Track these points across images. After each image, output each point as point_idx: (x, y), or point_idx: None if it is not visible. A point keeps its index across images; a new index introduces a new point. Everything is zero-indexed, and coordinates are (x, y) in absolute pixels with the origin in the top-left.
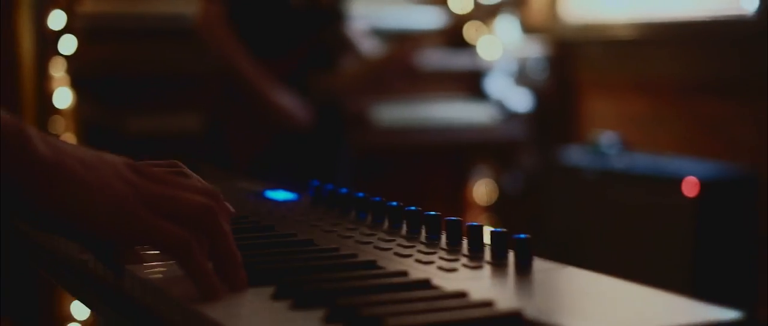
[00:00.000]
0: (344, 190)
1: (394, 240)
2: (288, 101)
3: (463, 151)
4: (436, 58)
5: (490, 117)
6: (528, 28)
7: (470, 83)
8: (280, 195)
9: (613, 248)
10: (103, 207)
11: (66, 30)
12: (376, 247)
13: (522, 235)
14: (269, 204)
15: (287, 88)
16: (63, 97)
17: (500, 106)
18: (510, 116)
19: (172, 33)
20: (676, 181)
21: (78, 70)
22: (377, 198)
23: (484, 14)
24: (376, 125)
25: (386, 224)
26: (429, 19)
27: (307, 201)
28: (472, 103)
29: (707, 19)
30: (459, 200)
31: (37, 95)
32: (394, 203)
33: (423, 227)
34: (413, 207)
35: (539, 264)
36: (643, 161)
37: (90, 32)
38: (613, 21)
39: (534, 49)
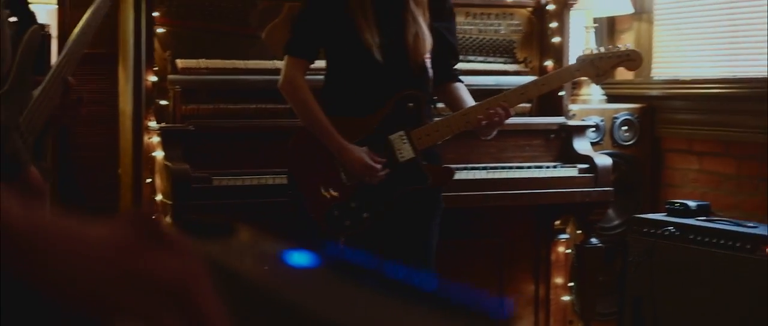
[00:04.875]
0: (362, 256)
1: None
2: (356, 155)
3: (546, 210)
4: (523, 119)
5: (575, 176)
6: (615, 86)
7: (556, 143)
8: (300, 258)
9: (692, 310)
10: (73, 283)
11: (162, 86)
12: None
13: None
14: (285, 268)
15: (368, 144)
16: (157, 149)
17: (585, 165)
18: (594, 176)
19: (266, 89)
20: (756, 245)
21: (172, 124)
22: (397, 268)
23: None
24: (460, 183)
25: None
26: (523, 82)
27: (327, 265)
28: (558, 162)
29: None
30: (542, 259)
31: (134, 145)
32: (412, 275)
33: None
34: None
35: None
36: (726, 224)
37: (186, 88)
38: (700, 77)
39: (620, 108)
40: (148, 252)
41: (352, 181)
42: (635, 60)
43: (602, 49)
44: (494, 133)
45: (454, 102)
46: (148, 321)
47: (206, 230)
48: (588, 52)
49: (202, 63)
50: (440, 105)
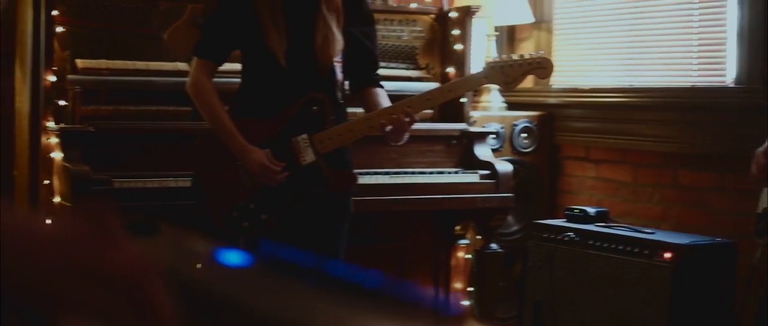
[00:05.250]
0: (296, 254)
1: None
2: (256, 157)
3: (447, 216)
4: (425, 125)
5: (476, 182)
6: (515, 94)
7: (457, 149)
8: (233, 257)
9: (591, 315)
10: (25, 277)
11: (61, 86)
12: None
13: None
14: (217, 267)
15: (271, 146)
16: (55, 150)
17: (486, 171)
18: (495, 182)
19: (167, 91)
20: (655, 251)
21: (72, 124)
22: (334, 266)
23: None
24: (362, 188)
25: (336, 293)
26: (425, 88)
27: (260, 264)
28: (459, 168)
29: (688, 87)
30: (442, 265)
31: (31, 146)
32: (345, 272)
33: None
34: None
35: None
36: (625, 230)
37: (86, 89)
38: (598, 86)
39: (520, 115)
40: (100, 248)
41: (252, 183)
42: (546, 68)
43: (514, 57)
44: (404, 138)
45: (370, 107)
46: (101, 318)
47: (130, 229)
48: (497, 59)
49: (103, 63)
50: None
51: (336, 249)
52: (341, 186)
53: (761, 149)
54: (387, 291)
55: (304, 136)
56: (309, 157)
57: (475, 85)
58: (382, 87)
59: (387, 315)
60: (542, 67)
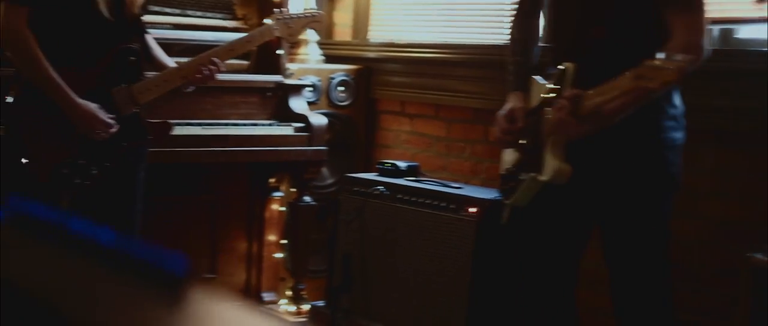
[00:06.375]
0: (46, 212)
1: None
2: (89, 110)
3: (261, 168)
4: (239, 77)
5: (290, 135)
6: (333, 47)
7: (272, 101)
8: None
9: (399, 267)
10: None
11: None
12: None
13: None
14: None
15: (90, 98)
16: None
17: (300, 124)
18: (309, 135)
19: None
20: (461, 206)
21: None
22: (84, 226)
23: None
24: (175, 139)
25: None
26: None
27: (13, 221)
28: (274, 120)
29: (501, 44)
30: (256, 217)
31: None
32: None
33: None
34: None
35: None
36: (433, 184)
37: None
38: (415, 42)
39: (337, 68)
40: None
41: (77, 137)
42: (321, 22)
43: (295, 11)
44: (193, 87)
45: (151, 56)
46: None
47: None
48: (281, 13)
49: None
50: None
51: (140, 196)
52: (160, 136)
53: (502, 112)
54: (123, 251)
55: (124, 86)
56: (129, 108)
57: (268, 36)
58: (149, 33)
59: (119, 276)
60: (318, 21)
